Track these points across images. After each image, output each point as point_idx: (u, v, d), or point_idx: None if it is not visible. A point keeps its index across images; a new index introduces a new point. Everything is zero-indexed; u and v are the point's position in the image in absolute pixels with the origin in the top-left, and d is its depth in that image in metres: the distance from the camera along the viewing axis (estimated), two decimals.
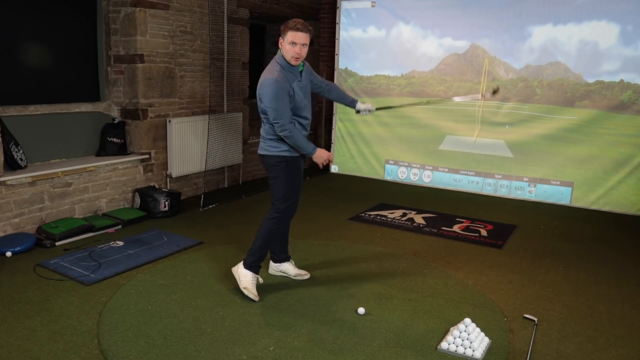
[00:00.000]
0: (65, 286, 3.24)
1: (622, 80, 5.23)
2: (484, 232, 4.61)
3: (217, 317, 2.90)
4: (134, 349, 2.54)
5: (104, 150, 4.82)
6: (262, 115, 3.07)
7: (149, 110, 4.98)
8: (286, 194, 3.12)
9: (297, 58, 2.94)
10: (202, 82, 5.55)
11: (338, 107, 6.86)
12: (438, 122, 6.23)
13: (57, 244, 3.94)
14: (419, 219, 4.95)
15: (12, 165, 3.99)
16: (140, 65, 4.82)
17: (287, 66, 2.99)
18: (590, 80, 5.38)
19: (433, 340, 2.71)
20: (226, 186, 6.08)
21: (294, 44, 2.91)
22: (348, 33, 6.69)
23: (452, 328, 2.76)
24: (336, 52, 6.82)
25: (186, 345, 2.59)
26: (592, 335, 2.84)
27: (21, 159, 4.05)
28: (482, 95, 4.08)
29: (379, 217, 4.98)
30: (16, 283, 3.26)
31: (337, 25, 6.77)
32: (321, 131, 7.40)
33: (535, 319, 2.96)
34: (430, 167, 6.32)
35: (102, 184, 4.66)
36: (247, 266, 3.16)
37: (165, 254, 3.83)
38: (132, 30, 4.76)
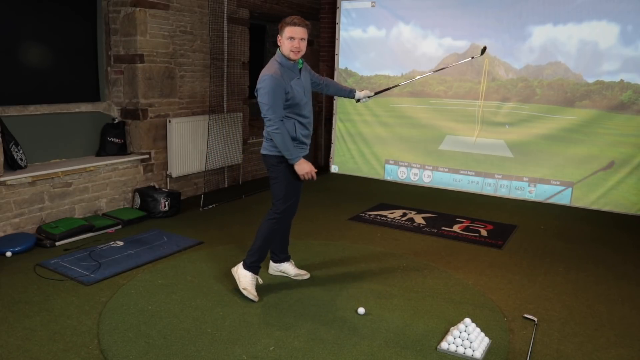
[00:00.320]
0: (65, 286, 3.24)
1: (622, 80, 5.23)
2: (484, 232, 4.61)
3: (217, 317, 2.90)
4: (134, 349, 2.54)
5: (104, 150, 4.82)
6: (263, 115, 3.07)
7: (149, 110, 4.98)
8: (286, 194, 3.11)
9: (296, 52, 2.95)
10: (202, 82, 5.55)
11: (338, 107, 6.87)
12: (438, 122, 6.23)
13: (57, 244, 3.94)
14: (419, 219, 4.95)
15: (12, 165, 3.99)
16: (140, 65, 4.82)
17: (286, 63, 2.99)
18: (590, 80, 5.38)
19: (433, 340, 2.71)
20: (226, 186, 6.08)
21: (292, 38, 2.93)
22: (348, 33, 6.69)
23: (452, 328, 2.76)
24: (336, 52, 6.82)
25: (186, 345, 2.59)
26: (592, 335, 2.84)
27: (21, 159, 4.05)
28: (472, 57, 4.18)
29: (379, 217, 4.98)
30: (16, 283, 3.26)
31: (337, 25, 6.77)
32: (321, 131, 7.40)
33: (535, 319, 2.96)
34: (430, 167, 6.32)
35: (102, 184, 4.66)
36: (246, 267, 3.16)
37: (165, 254, 3.83)
38: (132, 30, 4.76)
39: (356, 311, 2.98)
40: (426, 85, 6.27)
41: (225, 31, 5.64)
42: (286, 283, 3.38)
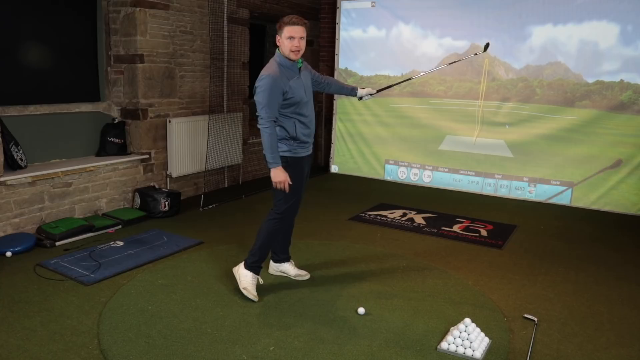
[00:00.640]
0: (65, 286, 3.24)
1: (622, 80, 5.23)
2: (484, 232, 4.61)
3: (217, 317, 2.90)
4: (134, 349, 2.54)
5: (104, 150, 4.82)
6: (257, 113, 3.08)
7: (149, 110, 4.98)
8: (286, 195, 3.11)
9: (296, 51, 2.95)
10: (202, 82, 5.55)
11: (338, 107, 6.87)
12: (438, 122, 6.22)
13: (57, 244, 3.94)
14: (419, 219, 4.95)
15: (12, 165, 3.99)
16: (140, 65, 4.82)
17: (285, 63, 3.00)
18: (590, 80, 5.38)
19: (433, 340, 2.71)
20: (226, 186, 6.08)
21: (292, 38, 2.93)
22: (348, 33, 6.69)
23: (452, 328, 2.76)
24: (336, 52, 6.82)
25: (186, 345, 2.59)
26: (592, 335, 2.84)
27: (21, 159, 4.05)
28: (475, 54, 4.19)
29: (379, 217, 4.98)
30: (16, 283, 3.26)
31: (337, 25, 6.77)
32: (321, 131, 7.40)
33: (535, 319, 2.96)
34: (430, 167, 6.32)
35: (102, 184, 4.66)
36: (247, 266, 3.16)
37: (165, 254, 3.83)
38: (132, 30, 4.76)
39: (356, 311, 2.98)
40: (426, 85, 6.27)
41: (225, 31, 5.64)
42: (286, 283, 3.38)
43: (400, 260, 3.86)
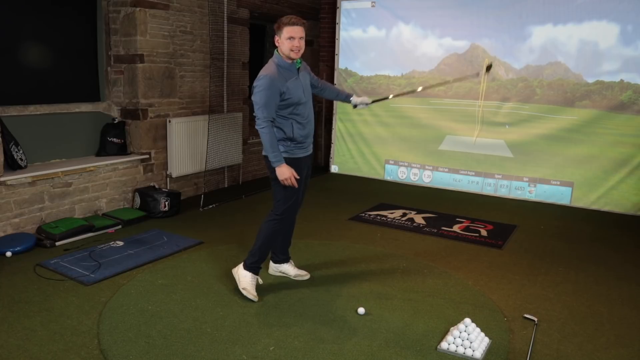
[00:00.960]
0: (65, 286, 3.24)
1: (622, 80, 5.23)
2: (484, 232, 4.61)
3: (217, 317, 2.90)
4: (134, 349, 2.54)
5: (104, 150, 4.82)
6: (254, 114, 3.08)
7: (149, 110, 4.98)
8: (285, 196, 3.10)
9: (297, 51, 2.96)
10: (202, 82, 5.55)
11: (338, 107, 6.86)
12: (438, 122, 6.22)
13: (57, 244, 3.94)
14: (419, 219, 4.95)
15: (12, 165, 3.99)
16: (140, 65, 4.82)
17: (284, 64, 3.00)
18: (590, 80, 5.38)
19: (433, 340, 2.71)
20: (226, 186, 6.08)
21: (292, 38, 2.94)
22: (348, 33, 6.69)
23: (452, 328, 2.76)
24: (336, 52, 6.82)
25: (186, 345, 2.59)
26: (592, 335, 2.84)
27: (21, 159, 4.05)
28: (478, 74, 4.13)
29: (379, 217, 4.98)
30: (16, 283, 3.26)
31: (337, 25, 6.77)
32: (321, 131, 7.40)
33: (535, 319, 2.96)
34: (430, 167, 6.32)
35: (102, 184, 4.66)
36: (246, 267, 3.16)
37: (165, 254, 3.83)
38: (132, 30, 4.76)
39: (356, 311, 2.98)
40: (426, 85, 6.26)
41: (225, 31, 5.64)
42: (286, 283, 3.38)
43: (400, 260, 3.86)
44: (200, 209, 5.08)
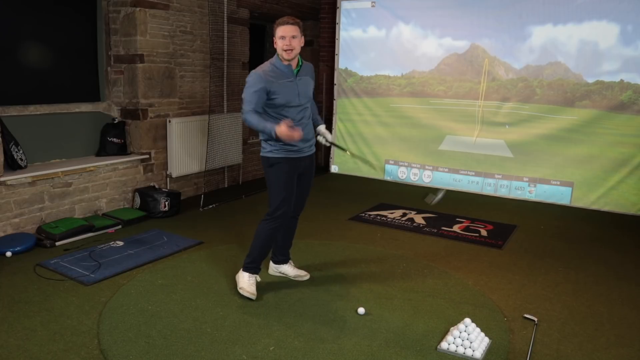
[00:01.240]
0: (65, 286, 3.24)
1: (622, 80, 5.22)
2: (484, 232, 4.61)
3: (217, 317, 2.90)
4: (134, 349, 2.54)
5: (104, 150, 4.82)
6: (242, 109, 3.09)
7: (149, 110, 4.98)
8: (275, 196, 3.08)
9: (288, 50, 2.95)
10: (202, 82, 5.55)
11: (338, 107, 6.86)
12: (438, 122, 6.22)
13: (57, 244, 3.94)
14: (419, 219, 4.95)
15: (12, 165, 3.99)
16: (140, 65, 4.82)
17: (279, 65, 3.02)
18: (590, 80, 5.37)
19: (433, 340, 2.71)
20: (226, 186, 6.08)
21: (283, 37, 2.95)
22: (348, 33, 6.69)
23: (452, 328, 2.76)
24: (336, 52, 6.82)
25: (186, 345, 2.59)
26: (592, 335, 2.84)
27: (21, 159, 4.05)
28: (431, 202, 3.77)
29: (379, 217, 4.98)
30: (16, 283, 3.26)
31: (337, 25, 6.76)
32: None
33: (535, 319, 2.96)
34: (430, 167, 6.32)
35: (102, 184, 4.66)
36: (244, 268, 3.19)
37: (165, 254, 3.83)
38: (132, 30, 4.76)
39: (356, 311, 2.98)
40: (426, 85, 6.26)
41: (225, 31, 5.64)
42: (286, 283, 3.38)
43: (400, 260, 3.86)
44: (200, 209, 5.08)
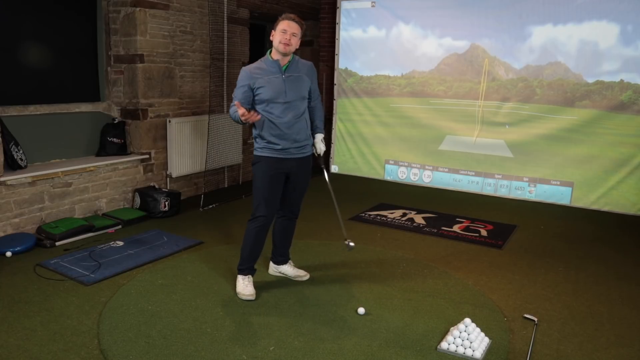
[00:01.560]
0: (65, 286, 3.24)
1: (622, 80, 5.23)
2: (484, 232, 4.61)
3: (217, 317, 2.90)
4: (134, 349, 2.54)
5: (104, 150, 4.82)
6: None
7: (149, 110, 4.98)
8: (255, 195, 3.09)
9: (285, 44, 2.95)
10: (202, 82, 5.55)
11: (338, 107, 6.87)
12: (438, 122, 6.22)
13: (57, 244, 3.94)
14: (419, 219, 4.95)
15: (12, 165, 3.99)
16: (140, 65, 4.82)
17: (267, 61, 3.04)
18: (590, 80, 5.38)
19: (433, 340, 2.71)
20: (226, 186, 6.08)
21: (284, 31, 2.96)
22: (348, 33, 6.69)
23: (452, 328, 2.76)
24: (336, 52, 6.82)
25: (186, 345, 2.59)
26: (592, 335, 2.84)
27: (21, 159, 4.05)
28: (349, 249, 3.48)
29: (379, 217, 4.98)
30: (16, 283, 3.26)
31: (337, 25, 6.77)
32: None
33: (535, 319, 2.96)
34: (430, 167, 6.32)
35: (102, 184, 4.66)
36: (238, 271, 3.22)
37: (165, 254, 3.83)
38: (132, 30, 4.76)
39: (356, 311, 2.98)
40: (426, 85, 6.27)
41: (225, 31, 5.64)
42: (286, 283, 3.38)
43: (400, 260, 3.86)
44: (200, 209, 5.08)
